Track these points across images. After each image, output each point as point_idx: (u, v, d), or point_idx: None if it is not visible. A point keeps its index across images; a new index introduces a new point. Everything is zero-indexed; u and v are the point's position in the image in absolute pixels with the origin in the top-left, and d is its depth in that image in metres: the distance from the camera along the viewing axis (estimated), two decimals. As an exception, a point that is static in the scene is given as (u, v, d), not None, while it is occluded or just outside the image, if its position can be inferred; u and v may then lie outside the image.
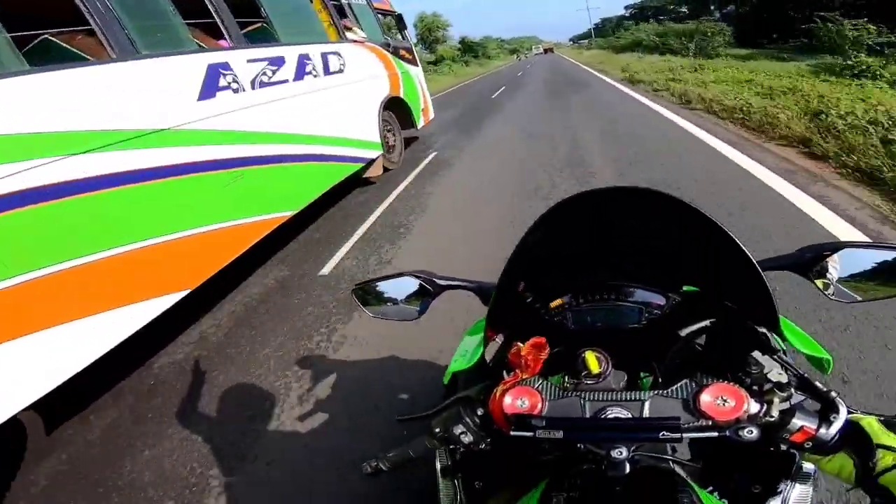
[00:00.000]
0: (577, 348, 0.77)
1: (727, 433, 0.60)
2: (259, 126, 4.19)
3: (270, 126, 4.30)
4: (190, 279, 3.30)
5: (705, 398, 0.61)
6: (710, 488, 0.81)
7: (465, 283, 1.02)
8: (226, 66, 3.97)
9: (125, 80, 3.34)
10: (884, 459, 0.58)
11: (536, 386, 0.70)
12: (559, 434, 0.61)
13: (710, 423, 0.60)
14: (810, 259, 0.80)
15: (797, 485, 0.77)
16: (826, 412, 0.62)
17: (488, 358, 0.93)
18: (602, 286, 0.89)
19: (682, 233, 0.78)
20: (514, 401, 0.68)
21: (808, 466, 0.77)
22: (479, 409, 0.74)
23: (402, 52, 7.16)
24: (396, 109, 6.83)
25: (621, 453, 0.60)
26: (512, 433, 0.65)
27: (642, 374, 0.89)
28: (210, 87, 3.84)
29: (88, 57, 3.51)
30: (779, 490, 0.76)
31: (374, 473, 0.83)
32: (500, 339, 0.93)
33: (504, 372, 0.77)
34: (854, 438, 0.61)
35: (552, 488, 0.67)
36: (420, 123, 7.42)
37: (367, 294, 1.06)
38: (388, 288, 1.04)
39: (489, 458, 0.79)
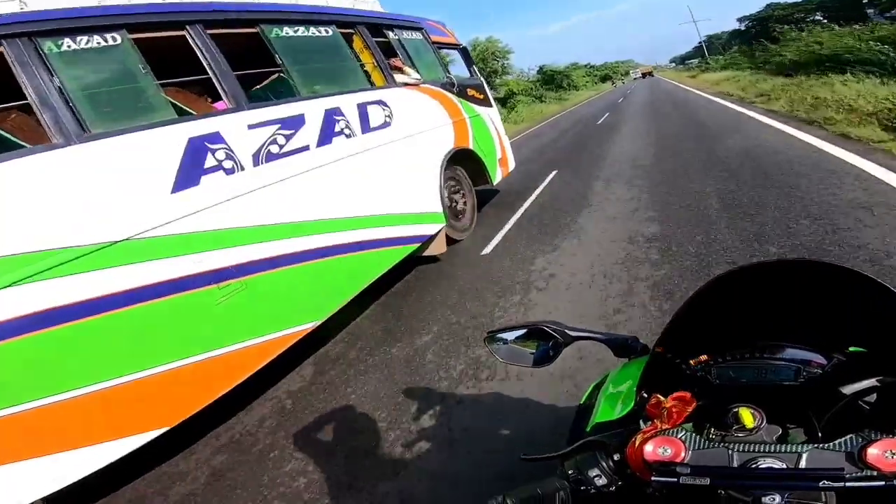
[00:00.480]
0: (721, 403, 0.77)
1: (894, 482, 0.57)
2: (265, 217, 2.96)
3: (283, 214, 3.06)
4: (167, 418, 2.48)
5: (873, 451, 0.59)
6: None
7: (596, 334, 1.06)
8: (215, 137, 2.81)
9: (69, 174, 2.35)
10: None
11: (679, 436, 0.71)
12: (705, 480, 0.62)
13: (876, 473, 0.58)
14: None
15: None
16: None
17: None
18: (751, 344, 0.86)
19: (850, 299, 0.77)
20: (655, 448, 0.69)
21: None
22: (616, 455, 0.76)
23: (471, 92, 5.83)
24: (466, 163, 5.47)
25: (774, 499, 0.59)
26: (653, 479, 0.66)
27: (789, 426, 0.82)
28: (190, 172, 2.68)
29: (23, 143, 2.53)
30: None
31: None
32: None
33: (640, 421, 0.79)
34: None
35: None
36: (497, 178, 5.96)
37: (499, 341, 1.10)
38: (520, 336, 1.08)
39: (611, 499, 0.77)
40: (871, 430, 0.63)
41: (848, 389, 0.81)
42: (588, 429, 0.98)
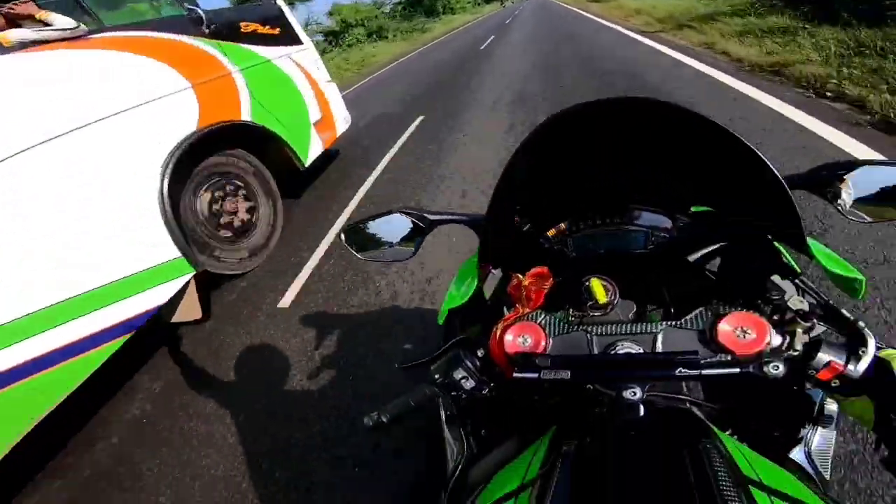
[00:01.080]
0: (578, 277, 0.71)
1: (750, 369, 0.55)
2: None
3: None
4: None
5: (724, 328, 0.58)
6: (729, 431, 0.71)
7: (457, 216, 0.96)
8: None
9: None
10: None
11: (539, 321, 0.66)
12: (566, 374, 0.57)
13: (730, 357, 0.57)
14: (826, 177, 0.72)
15: (819, 429, 0.72)
16: (853, 345, 0.57)
17: (488, 293, 0.86)
18: (603, 209, 0.81)
19: (690, 148, 0.68)
20: (515, 338, 0.64)
21: (830, 408, 0.71)
22: (480, 351, 0.69)
23: (251, 28, 3.73)
24: (253, 142, 3.50)
25: (634, 394, 0.55)
26: (515, 375, 0.60)
27: (650, 307, 0.79)
28: None
29: None
30: (800, 435, 0.72)
31: (375, 427, 0.72)
32: (497, 272, 0.85)
33: (504, 308, 0.72)
34: (879, 378, 0.55)
35: (561, 436, 0.60)
36: (311, 156, 3.97)
37: (356, 235, 0.99)
38: (377, 227, 0.98)
39: (495, 404, 0.75)
40: (719, 302, 0.61)
41: (696, 256, 0.75)
42: (440, 321, 0.88)
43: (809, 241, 0.66)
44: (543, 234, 0.84)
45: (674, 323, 0.62)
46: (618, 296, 0.69)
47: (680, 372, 0.54)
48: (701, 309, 0.62)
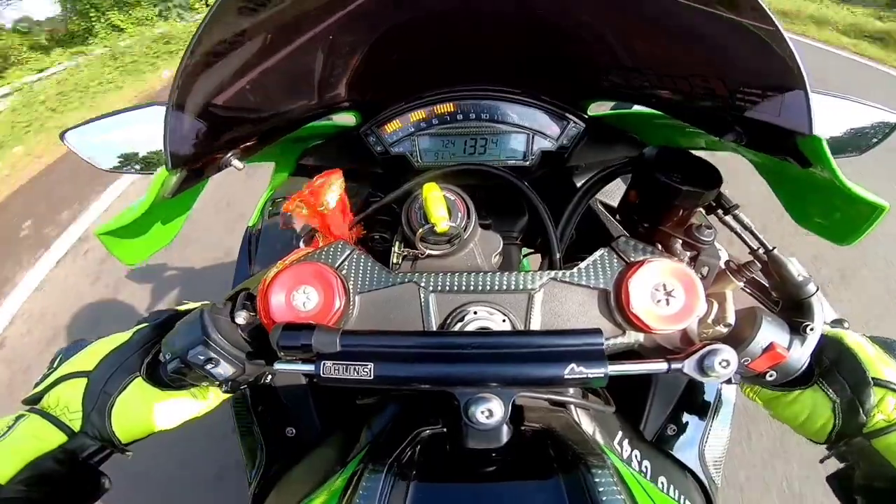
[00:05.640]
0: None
1: (684, 368, 0.36)
2: None
3: None
4: None
5: (637, 288, 0.39)
6: (620, 436, 0.54)
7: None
8: None
9: None
10: (881, 405, 0.38)
11: (339, 263, 0.41)
12: (366, 372, 0.34)
13: (644, 339, 0.40)
14: None
15: (714, 424, 0.58)
16: (798, 319, 0.40)
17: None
18: (464, 97, 0.56)
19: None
20: (289, 294, 0.39)
21: (727, 397, 0.59)
22: (243, 314, 0.42)
23: None
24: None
25: (490, 415, 0.34)
26: (276, 366, 0.38)
27: (525, 251, 0.62)
28: None
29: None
30: (692, 432, 0.57)
31: None
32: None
33: (301, 243, 0.50)
34: (836, 367, 0.40)
35: (376, 461, 0.38)
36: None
37: (91, 137, 0.62)
38: (124, 124, 0.59)
39: (303, 392, 0.53)
40: (629, 241, 0.42)
41: (590, 179, 0.54)
42: (127, 259, 0.48)
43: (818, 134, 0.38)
44: (375, 129, 0.59)
45: (560, 275, 0.42)
46: (474, 221, 0.45)
47: (572, 374, 0.34)
48: (603, 251, 0.43)
